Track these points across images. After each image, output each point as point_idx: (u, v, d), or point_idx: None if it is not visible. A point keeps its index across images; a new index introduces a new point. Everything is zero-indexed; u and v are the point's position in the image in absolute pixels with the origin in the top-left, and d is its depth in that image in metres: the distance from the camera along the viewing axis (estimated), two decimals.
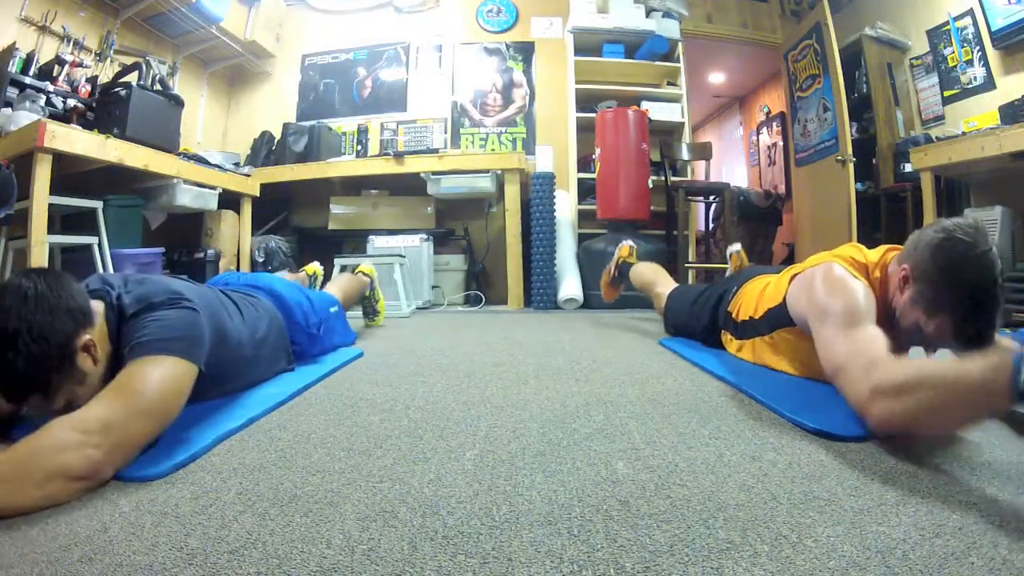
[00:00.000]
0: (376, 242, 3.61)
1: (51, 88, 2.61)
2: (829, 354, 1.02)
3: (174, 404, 0.87)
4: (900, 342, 1.15)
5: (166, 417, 0.86)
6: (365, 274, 2.42)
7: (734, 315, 1.61)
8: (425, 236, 3.65)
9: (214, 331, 1.06)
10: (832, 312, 1.06)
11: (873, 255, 1.18)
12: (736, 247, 2.47)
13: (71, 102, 2.67)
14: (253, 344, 1.26)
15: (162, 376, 0.85)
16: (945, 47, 3.48)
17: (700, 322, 1.80)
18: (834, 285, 1.10)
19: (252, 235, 3.66)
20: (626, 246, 2.59)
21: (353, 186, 4.07)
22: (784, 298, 1.31)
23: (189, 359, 0.91)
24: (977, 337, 0.97)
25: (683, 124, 4.05)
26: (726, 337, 1.67)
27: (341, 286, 2.20)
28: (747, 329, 1.52)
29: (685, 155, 3.97)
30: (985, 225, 1.01)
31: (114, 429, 0.75)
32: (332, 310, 1.81)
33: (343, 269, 2.99)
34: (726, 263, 2.61)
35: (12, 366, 0.77)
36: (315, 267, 2.41)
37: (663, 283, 2.22)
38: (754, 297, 1.52)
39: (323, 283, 2.40)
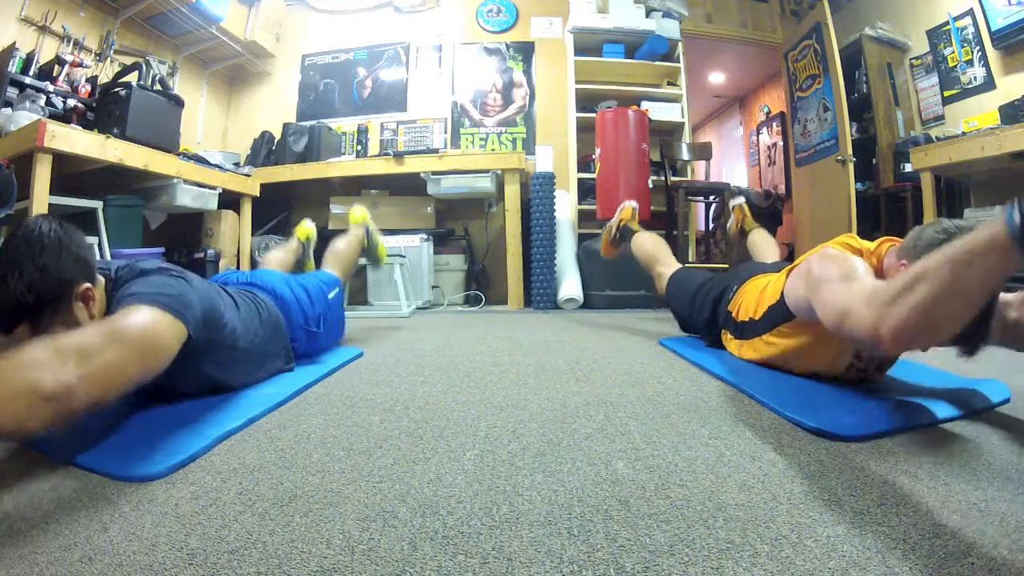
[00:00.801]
0: None
1: (51, 88, 2.61)
2: (830, 307, 0.99)
3: (157, 349, 0.84)
4: None
5: (147, 358, 0.82)
6: (356, 224, 2.28)
7: (734, 314, 1.61)
8: (425, 236, 3.64)
9: (206, 307, 1.05)
10: (829, 277, 1.05)
11: (869, 244, 1.19)
12: (740, 200, 2.41)
13: (71, 102, 2.67)
14: (249, 338, 1.25)
15: (147, 319, 0.84)
16: (945, 47, 3.48)
17: (702, 316, 1.81)
18: (830, 259, 1.11)
19: (252, 235, 3.66)
20: (628, 207, 2.50)
21: (353, 186, 4.07)
22: (782, 293, 1.31)
23: (177, 316, 0.90)
24: (973, 336, 0.96)
25: (683, 124, 4.05)
26: (726, 336, 1.67)
27: (338, 257, 2.08)
28: (747, 330, 1.52)
29: (685, 155, 3.97)
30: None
31: (91, 356, 0.73)
32: (331, 296, 1.77)
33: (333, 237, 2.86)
34: (726, 263, 2.61)
35: (9, 288, 0.80)
36: (307, 229, 2.28)
37: (665, 261, 2.18)
38: (754, 297, 1.52)
39: (317, 246, 2.27)
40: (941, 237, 0.99)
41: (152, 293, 0.90)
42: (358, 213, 2.32)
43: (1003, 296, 1.08)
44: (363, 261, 2.43)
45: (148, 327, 0.84)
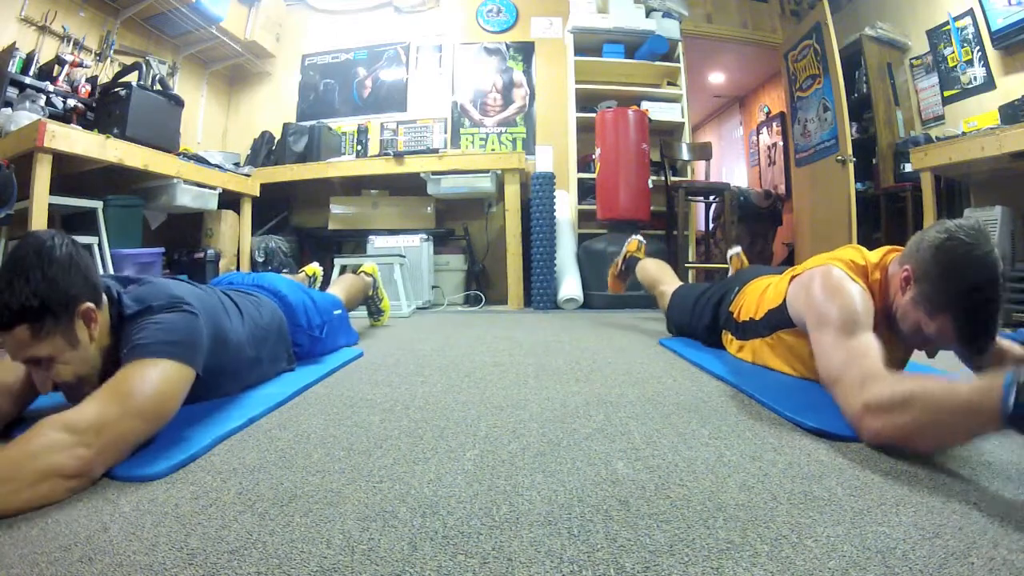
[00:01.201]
0: (376, 242, 3.61)
1: (51, 88, 2.61)
2: (825, 363, 1.03)
3: (168, 407, 0.88)
4: (901, 344, 1.14)
5: (159, 419, 0.86)
6: (368, 274, 2.43)
7: (735, 315, 1.61)
8: (425, 236, 3.65)
9: (213, 335, 1.06)
10: (829, 318, 1.06)
11: (873, 256, 1.18)
12: (736, 250, 2.47)
13: (71, 102, 2.67)
14: (254, 344, 1.26)
15: (158, 378, 0.86)
16: (945, 47, 3.48)
17: (702, 321, 1.80)
18: (832, 289, 1.11)
19: (252, 235, 3.66)
20: (635, 240, 2.58)
21: (353, 186, 4.07)
22: (784, 299, 1.31)
23: (186, 363, 0.92)
24: (978, 338, 0.97)
25: (683, 124, 4.05)
26: (727, 337, 1.67)
27: (344, 287, 2.19)
28: (748, 330, 1.52)
29: (685, 155, 3.97)
30: (986, 226, 1.00)
31: (106, 429, 0.76)
32: (336, 312, 1.81)
33: (343, 269, 2.99)
34: (726, 264, 2.62)
35: (15, 291, 0.82)
36: (314, 268, 2.41)
37: (668, 281, 2.22)
38: (755, 298, 1.52)
39: (322, 285, 2.40)
40: (943, 237, 0.99)
41: (162, 343, 0.91)
42: (371, 267, 2.50)
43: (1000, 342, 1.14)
44: (361, 312, 2.54)
45: (162, 388, 0.86)
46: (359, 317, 2.58)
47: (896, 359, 1.22)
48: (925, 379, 0.85)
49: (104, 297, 0.95)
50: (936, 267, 0.99)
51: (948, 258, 0.98)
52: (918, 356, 1.24)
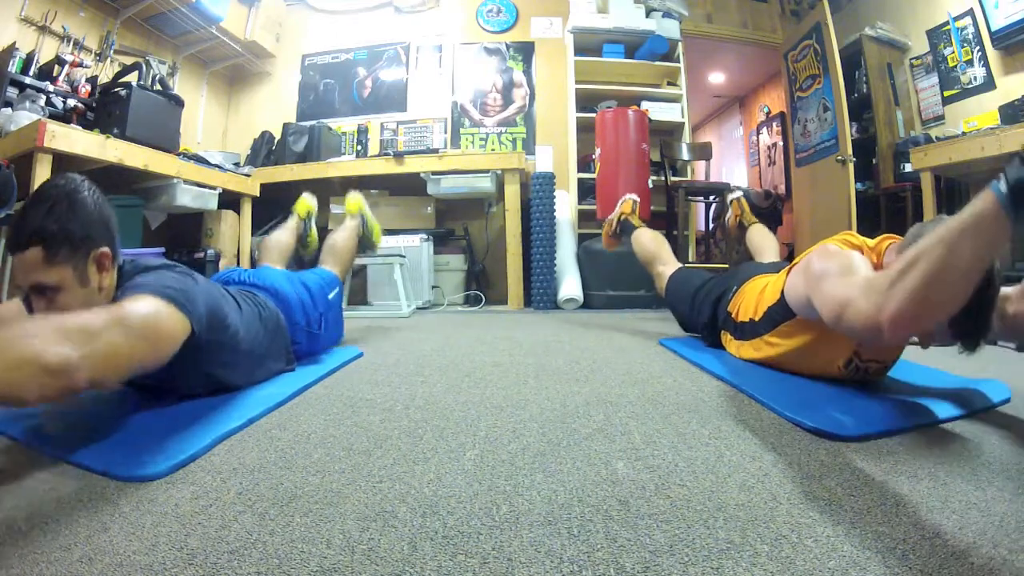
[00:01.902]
0: None
1: (51, 88, 2.61)
2: (829, 301, 0.99)
3: (160, 337, 0.84)
4: None
5: (150, 346, 0.82)
6: (352, 215, 2.23)
7: (734, 315, 1.61)
8: (425, 236, 3.64)
9: (210, 306, 1.05)
10: (828, 272, 1.05)
11: (869, 241, 1.18)
12: (738, 193, 2.41)
13: (71, 102, 2.66)
14: (250, 340, 1.25)
15: (152, 308, 0.85)
16: (945, 47, 3.48)
17: (700, 318, 1.80)
18: (829, 255, 1.11)
19: (252, 235, 3.66)
20: (629, 200, 2.50)
21: (353, 186, 4.05)
22: (782, 293, 1.31)
23: (181, 310, 0.90)
24: (974, 330, 0.96)
25: (683, 124, 4.05)
26: (726, 337, 1.67)
27: (336, 254, 2.04)
28: (747, 331, 1.52)
29: (685, 155, 3.97)
30: None
31: (95, 336, 0.73)
32: (331, 296, 1.77)
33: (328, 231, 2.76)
34: (726, 263, 2.61)
35: (37, 213, 0.86)
36: (308, 203, 2.22)
37: (665, 260, 2.17)
38: (753, 298, 1.52)
39: (317, 225, 2.25)
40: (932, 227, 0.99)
41: (158, 285, 0.91)
42: (353, 200, 2.26)
43: (1003, 290, 1.08)
44: (356, 312, 2.40)
45: (152, 315, 0.85)
46: (357, 317, 2.57)
47: (889, 349, 1.22)
48: (918, 244, 0.78)
49: (117, 261, 0.98)
50: None
51: None
52: (918, 357, 1.24)
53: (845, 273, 1.01)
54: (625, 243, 2.52)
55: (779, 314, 1.34)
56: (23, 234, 0.86)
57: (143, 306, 0.84)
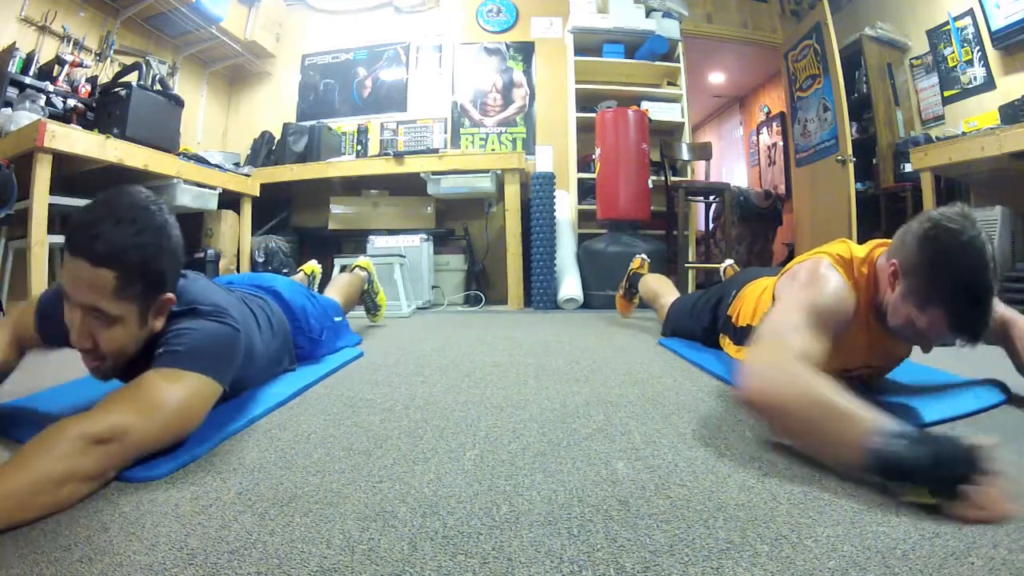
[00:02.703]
0: (376, 242, 3.61)
1: (51, 88, 2.61)
2: (767, 319, 1.03)
3: (192, 423, 0.86)
4: (891, 338, 1.12)
5: (181, 434, 0.85)
6: (362, 268, 2.42)
7: (733, 319, 1.60)
8: (425, 236, 3.64)
9: (246, 351, 1.04)
10: (797, 298, 1.05)
11: (860, 251, 1.15)
12: (729, 262, 2.57)
13: (71, 102, 2.66)
14: (267, 352, 1.27)
15: (186, 393, 0.83)
16: (945, 47, 3.48)
17: (700, 323, 1.80)
18: (814, 278, 1.09)
19: (252, 235, 3.66)
20: (639, 258, 2.64)
21: (353, 186, 4.07)
22: (774, 296, 1.30)
23: (217, 379, 0.90)
24: (972, 327, 0.95)
25: (683, 124, 4.05)
26: (724, 340, 1.67)
27: (341, 288, 2.19)
28: (746, 336, 1.51)
29: (685, 155, 3.97)
30: (972, 212, 0.98)
31: (126, 437, 0.74)
32: (336, 319, 1.82)
33: (343, 268, 2.98)
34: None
35: (129, 233, 0.80)
36: (313, 266, 2.40)
37: (666, 294, 2.26)
38: (752, 301, 1.51)
39: (321, 284, 2.40)
40: (927, 227, 0.97)
41: (198, 356, 0.88)
42: (364, 261, 2.50)
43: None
44: (360, 313, 2.55)
45: (186, 404, 0.83)
46: (358, 317, 2.58)
47: (889, 355, 1.21)
48: (821, 387, 0.80)
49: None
50: (923, 259, 0.96)
51: (934, 248, 0.95)
52: (917, 357, 1.24)
53: (804, 312, 1.00)
54: (639, 302, 2.62)
55: None
56: (101, 251, 0.78)
57: (179, 394, 0.82)
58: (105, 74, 3.14)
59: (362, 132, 4.19)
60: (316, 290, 2.37)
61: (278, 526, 0.65)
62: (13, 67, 2.54)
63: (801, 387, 0.82)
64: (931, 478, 0.67)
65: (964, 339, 0.96)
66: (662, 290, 2.30)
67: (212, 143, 4.25)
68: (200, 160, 3.16)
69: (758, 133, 6.21)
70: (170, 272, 0.87)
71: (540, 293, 3.46)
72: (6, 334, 1.05)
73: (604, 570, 0.56)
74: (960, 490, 0.65)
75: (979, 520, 0.63)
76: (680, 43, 4.07)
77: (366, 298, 2.47)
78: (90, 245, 0.78)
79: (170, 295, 0.88)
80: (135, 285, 0.82)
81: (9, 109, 2.39)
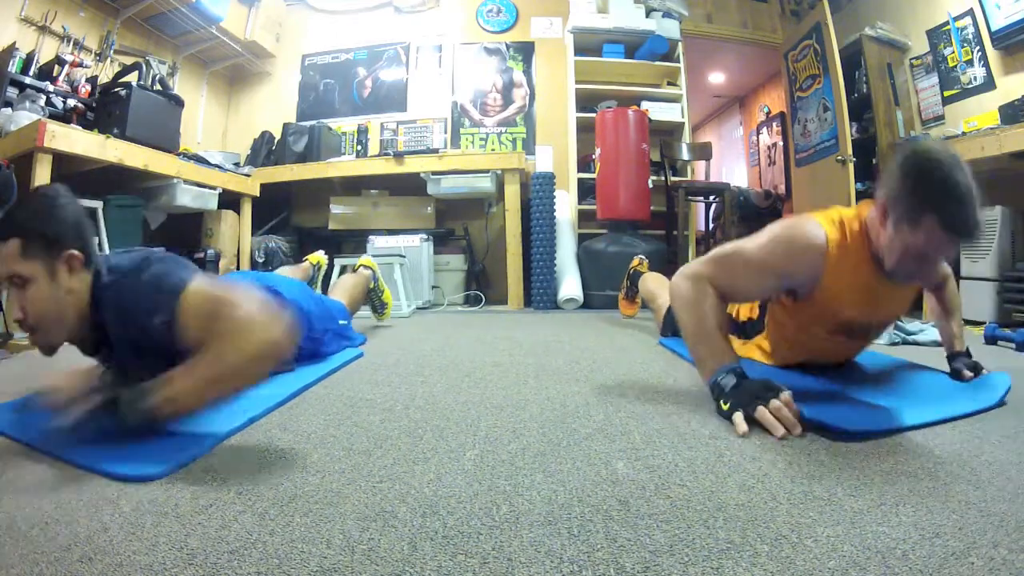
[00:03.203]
0: (376, 242, 3.61)
1: (51, 88, 2.61)
2: (726, 245, 1.18)
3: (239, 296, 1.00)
4: (896, 284, 1.17)
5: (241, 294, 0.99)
6: (366, 267, 2.42)
7: (734, 316, 1.61)
8: (425, 236, 3.64)
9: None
10: (758, 238, 1.16)
11: (849, 212, 1.19)
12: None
13: (71, 102, 2.66)
14: None
15: (210, 290, 0.99)
16: (945, 47, 3.48)
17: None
18: (787, 225, 1.17)
19: (252, 235, 3.66)
20: (637, 258, 2.65)
21: (353, 186, 4.06)
22: None
23: (200, 279, 1.03)
24: (966, 223, 0.99)
25: (683, 124, 4.04)
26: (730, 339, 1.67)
27: (346, 289, 2.19)
28: (748, 329, 1.52)
29: (685, 155, 3.97)
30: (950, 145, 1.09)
31: (250, 318, 0.91)
32: (341, 323, 1.83)
33: (343, 270, 2.99)
34: None
35: (20, 210, 0.99)
36: (319, 256, 2.41)
37: (665, 294, 2.25)
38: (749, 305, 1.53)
39: (327, 274, 2.42)
40: (900, 156, 1.05)
41: (167, 275, 1.01)
42: (367, 259, 2.51)
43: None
44: (366, 313, 2.57)
45: (219, 294, 0.99)
46: (363, 317, 2.58)
47: (890, 305, 1.26)
48: (713, 321, 1.11)
49: (91, 266, 1.04)
50: (905, 180, 1.03)
51: (911, 166, 1.03)
52: (918, 357, 1.24)
53: (744, 255, 1.16)
54: (641, 302, 2.64)
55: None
56: (5, 228, 0.97)
57: (209, 293, 0.98)
58: (105, 74, 3.14)
59: (362, 132, 4.19)
60: (320, 282, 2.42)
61: (278, 526, 0.65)
62: (13, 67, 2.54)
63: (699, 313, 1.12)
64: (731, 396, 1.02)
65: (960, 238, 1.01)
66: (659, 290, 2.29)
67: (212, 143, 4.25)
68: (200, 160, 3.16)
69: (758, 133, 6.20)
70: (65, 231, 0.99)
71: (540, 293, 3.46)
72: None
73: (604, 570, 0.56)
74: (754, 407, 0.97)
75: (765, 426, 0.95)
76: (680, 43, 4.07)
77: (372, 297, 2.47)
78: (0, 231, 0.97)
79: (73, 251, 0.99)
80: (36, 244, 0.96)
81: (9, 109, 2.39)
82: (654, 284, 2.37)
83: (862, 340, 1.36)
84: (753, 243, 1.16)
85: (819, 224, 1.14)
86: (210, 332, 0.91)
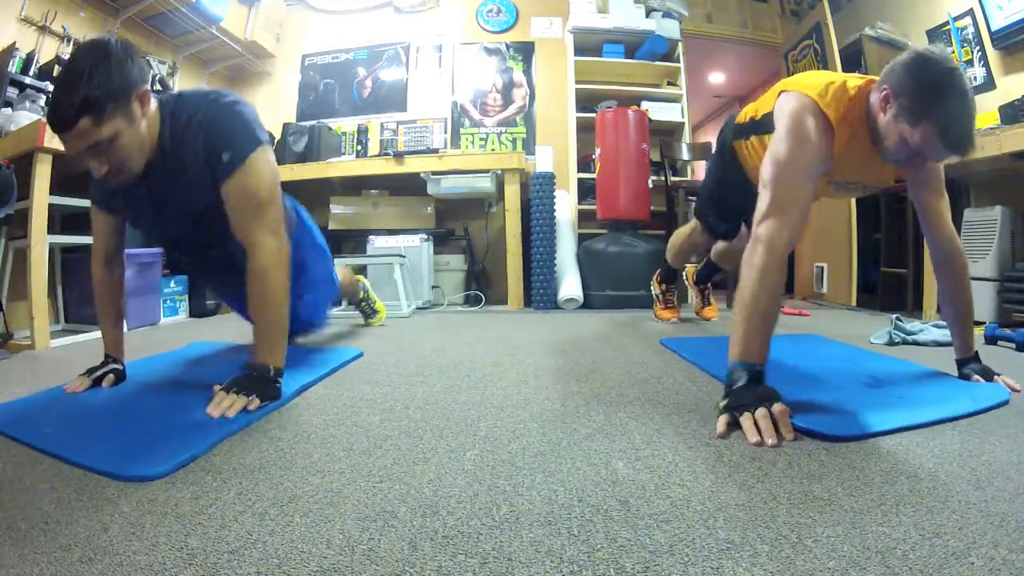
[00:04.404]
0: (376, 242, 3.61)
1: (51, 88, 2.61)
2: (769, 170, 1.17)
3: (277, 187, 1.25)
4: (887, 162, 1.24)
5: (277, 194, 1.25)
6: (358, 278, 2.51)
7: (739, 121, 1.69)
8: (425, 236, 3.64)
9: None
10: (782, 145, 1.18)
11: (841, 81, 1.22)
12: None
13: None
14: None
15: (261, 172, 1.20)
16: (945, 47, 3.48)
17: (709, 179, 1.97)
18: (793, 124, 1.19)
19: None
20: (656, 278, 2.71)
21: (353, 186, 4.06)
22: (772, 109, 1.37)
23: (260, 142, 1.21)
24: (960, 137, 1.04)
25: (683, 124, 4.04)
26: (737, 145, 1.73)
27: (345, 275, 2.24)
28: (747, 129, 1.62)
29: (685, 155, 3.96)
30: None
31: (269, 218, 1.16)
32: (329, 290, 1.93)
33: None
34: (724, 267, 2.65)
35: (79, 87, 0.96)
36: None
37: (676, 235, 2.40)
38: (754, 107, 1.61)
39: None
40: (913, 56, 1.09)
41: (235, 137, 1.16)
42: (359, 276, 2.61)
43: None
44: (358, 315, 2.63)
45: (268, 180, 1.23)
46: (355, 320, 2.58)
47: (877, 177, 1.41)
48: (768, 292, 1.08)
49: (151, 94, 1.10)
50: (912, 79, 1.07)
51: (921, 70, 1.07)
52: (919, 358, 1.24)
53: (793, 163, 1.16)
54: (678, 292, 2.71)
55: (768, 124, 1.40)
56: (69, 112, 0.96)
57: (261, 179, 1.18)
58: None
59: (362, 132, 4.19)
60: None
61: (278, 526, 0.65)
62: (13, 67, 2.54)
63: (770, 291, 1.08)
64: (730, 395, 1.03)
65: (953, 150, 1.07)
66: (680, 234, 2.38)
67: None
68: None
69: None
70: (131, 74, 1.03)
71: (540, 293, 3.46)
72: (98, 263, 1.31)
73: (604, 570, 0.56)
74: (741, 412, 0.98)
75: (750, 436, 0.93)
76: (680, 43, 4.07)
77: (364, 307, 2.54)
78: (59, 118, 0.98)
79: (144, 87, 1.05)
80: (106, 109, 0.99)
81: (9, 109, 2.39)
82: (675, 239, 2.42)
83: (845, 195, 1.44)
84: (787, 155, 1.16)
85: (817, 105, 1.18)
86: (243, 229, 1.14)
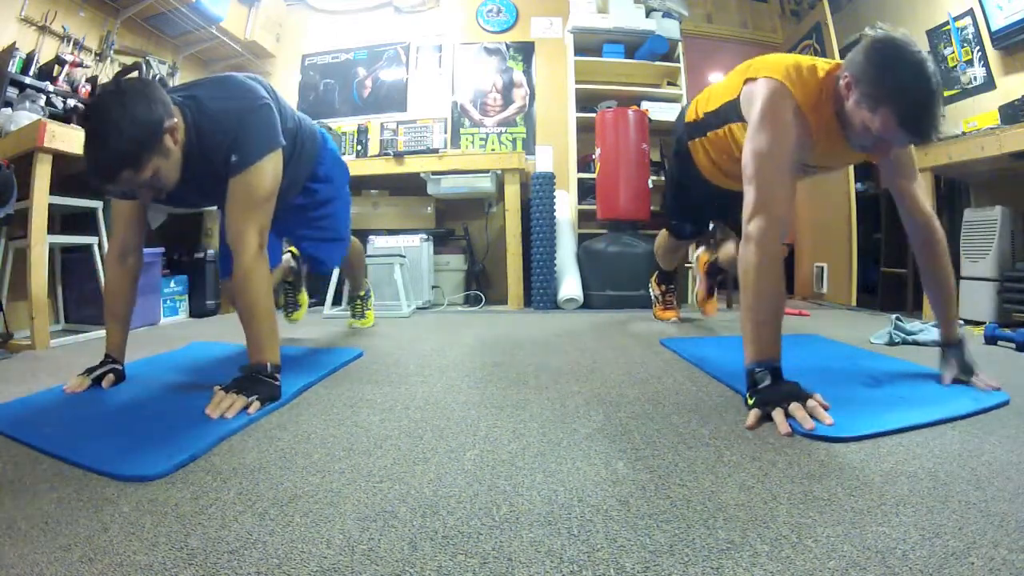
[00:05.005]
0: (376, 242, 3.61)
1: (51, 88, 2.61)
2: (749, 163, 1.18)
3: (276, 186, 1.30)
4: (853, 148, 1.22)
5: (275, 192, 1.30)
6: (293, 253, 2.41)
7: (690, 118, 1.66)
8: (425, 236, 3.64)
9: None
10: (762, 138, 1.18)
11: (809, 65, 1.22)
12: (701, 250, 2.64)
13: (71, 102, 2.66)
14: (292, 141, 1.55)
15: (263, 174, 1.25)
16: (945, 47, 3.48)
17: (670, 182, 1.97)
18: (768, 110, 1.19)
19: None
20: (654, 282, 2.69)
21: (353, 186, 4.04)
22: (739, 95, 1.35)
23: (278, 146, 1.30)
24: (920, 122, 1.03)
25: None
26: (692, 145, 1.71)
27: (356, 251, 2.30)
28: (700, 126, 1.59)
29: None
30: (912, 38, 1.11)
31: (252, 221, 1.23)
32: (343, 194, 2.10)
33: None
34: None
35: (111, 145, 0.99)
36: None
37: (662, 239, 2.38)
38: (705, 96, 1.59)
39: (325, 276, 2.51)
40: (871, 40, 1.09)
41: (250, 141, 1.22)
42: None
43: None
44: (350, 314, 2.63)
45: (268, 182, 1.27)
46: (342, 322, 2.58)
47: (841, 160, 1.43)
48: (771, 286, 1.10)
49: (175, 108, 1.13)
50: (870, 65, 1.07)
51: (880, 55, 1.07)
52: (919, 358, 1.24)
53: (771, 155, 1.16)
54: (717, 283, 2.70)
55: (731, 112, 1.41)
56: (110, 168, 1.01)
57: (262, 179, 1.24)
58: (105, 74, 3.13)
59: (362, 132, 4.19)
60: (303, 283, 2.51)
61: (278, 526, 0.65)
62: (13, 67, 2.54)
63: (773, 289, 1.10)
64: (759, 393, 1.05)
65: (912, 137, 1.06)
66: (659, 240, 2.39)
67: None
68: None
69: None
70: (155, 115, 1.05)
71: (540, 293, 3.46)
72: (113, 254, 1.37)
73: (604, 570, 0.56)
74: (781, 406, 1.00)
75: (782, 428, 0.97)
76: (680, 43, 4.07)
77: (359, 305, 2.52)
78: (103, 174, 1.03)
79: (171, 121, 1.08)
80: (141, 157, 1.04)
81: (9, 109, 2.39)
82: (660, 240, 2.41)
83: (804, 177, 1.43)
84: (767, 147, 1.17)
85: (787, 88, 1.19)
86: (234, 220, 1.22)
